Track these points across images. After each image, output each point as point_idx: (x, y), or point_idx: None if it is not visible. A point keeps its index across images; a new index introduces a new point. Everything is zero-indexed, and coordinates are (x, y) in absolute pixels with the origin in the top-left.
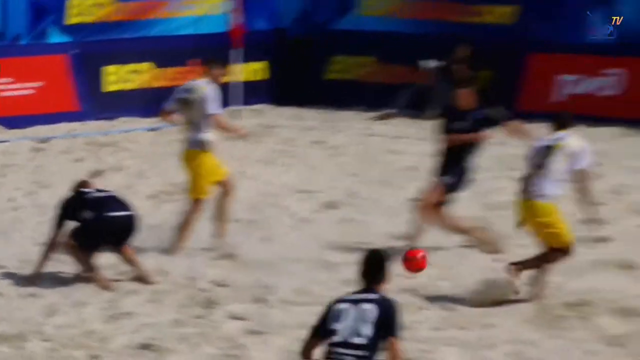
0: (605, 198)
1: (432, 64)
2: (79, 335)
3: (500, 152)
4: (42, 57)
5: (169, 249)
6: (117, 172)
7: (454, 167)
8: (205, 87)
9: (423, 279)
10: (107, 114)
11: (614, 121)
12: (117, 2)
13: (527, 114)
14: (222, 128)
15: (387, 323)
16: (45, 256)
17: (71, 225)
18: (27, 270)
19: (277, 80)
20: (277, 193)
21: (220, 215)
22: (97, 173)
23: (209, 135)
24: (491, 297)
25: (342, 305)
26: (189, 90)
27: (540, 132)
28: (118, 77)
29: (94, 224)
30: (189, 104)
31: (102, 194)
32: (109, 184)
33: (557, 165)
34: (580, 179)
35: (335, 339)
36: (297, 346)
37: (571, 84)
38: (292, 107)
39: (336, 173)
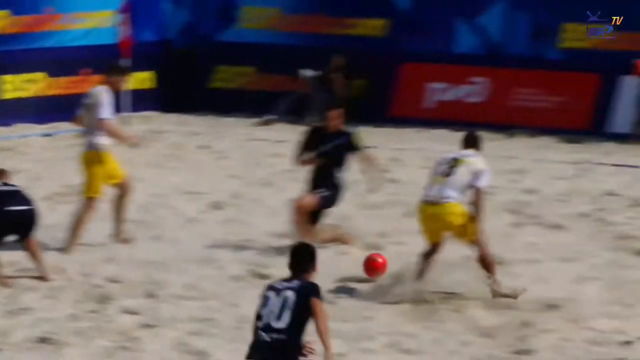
0: None
1: (310, 73)
2: None
3: (376, 155)
4: None
5: (65, 247)
6: (15, 175)
7: (326, 182)
8: (101, 94)
9: None
10: (3, 121)
11: (480, 126)
12: (12, 16)
13: (400, 119)
14: (111, 133)
15: (305, 303)
16: None
17: None
18: None
19: (164, 88)
20: (165, 194)
21: (118, 216)
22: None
23: (104, 138)
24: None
25: (268, 292)
26: (88, 96)
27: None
28: (14, 86)
29: None
30: (87, 109)
31: (6, 188)
32: None
33: (460, 177)
34: (475, 197)
35: (260, 323)
36: (188, 339)
37: (440, 92)
38: (178, 114)
39: (221, 176)
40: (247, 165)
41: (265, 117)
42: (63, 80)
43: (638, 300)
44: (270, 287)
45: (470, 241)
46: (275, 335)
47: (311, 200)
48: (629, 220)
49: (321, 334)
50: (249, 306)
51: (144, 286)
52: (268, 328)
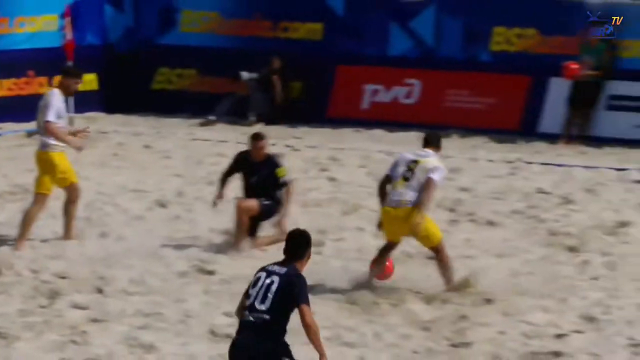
0: None
1: (249, 75)
2: None
3: (315, 154)
4: None
5: (14, 244)
6: None
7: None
8: (51, 96)
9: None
10: None
11: (414, 126)
12: None
13: (338, 120)
14: (55, 135)
15: (288, 295)
16: None
17: None
18: None
19: (107, 90)
20: (111, 193)
21: (68, 214)
22: None
23: (53, 139)
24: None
25: (260, 274)
26: (41, 98)
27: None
28: None
29: None
30: (39, 110)
31: None
32: None
33: (419, 180)
34: (425, 185)
35: (247, 302)
36: (136, 333)
37: (375, 93)
38: (122, 115)
39: (165, 174)
40: (189, 164)
41: (206, 118)
42: (8, 82)
43: (570, 294)
44: (263, 269)
45: (429, 244)
46: (258, 315)
47: (254, 205)
48: (560, 217)
49: (312, 342)
50: (194, 301)
51: (92, 282)
52: (252, 308)
